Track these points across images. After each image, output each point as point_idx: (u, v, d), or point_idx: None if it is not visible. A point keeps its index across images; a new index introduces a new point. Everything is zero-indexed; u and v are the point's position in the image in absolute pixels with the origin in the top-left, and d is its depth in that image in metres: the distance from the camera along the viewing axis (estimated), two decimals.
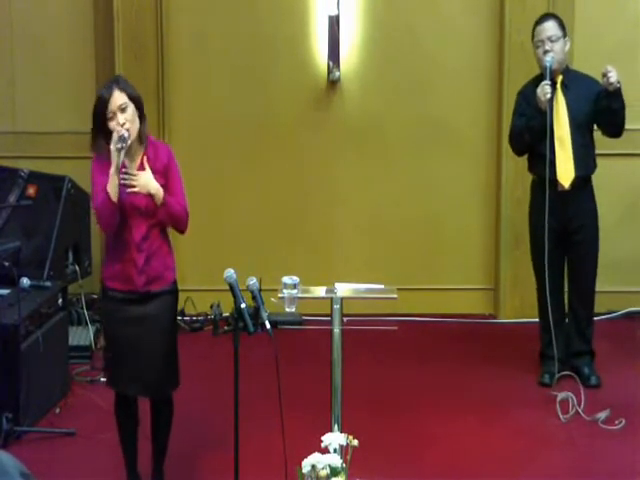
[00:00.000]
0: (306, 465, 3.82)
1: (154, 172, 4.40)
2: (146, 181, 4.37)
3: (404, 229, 7.20)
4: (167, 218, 4.43)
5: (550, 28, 5.79)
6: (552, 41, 5.76)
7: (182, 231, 4.55)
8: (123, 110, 4.35)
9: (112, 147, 4.29)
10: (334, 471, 3.81)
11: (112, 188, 4.31)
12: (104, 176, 4.35)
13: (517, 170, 6.76)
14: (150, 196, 4.37)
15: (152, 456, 4.67)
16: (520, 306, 7.00)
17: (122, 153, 4.29)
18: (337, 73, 7.03)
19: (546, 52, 5.75)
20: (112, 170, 4.30)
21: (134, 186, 4.36)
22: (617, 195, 6.99)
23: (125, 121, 4.33)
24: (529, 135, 5.80)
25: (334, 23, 6.95)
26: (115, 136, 4.29)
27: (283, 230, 7.21)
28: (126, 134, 4.30)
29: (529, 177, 6.06)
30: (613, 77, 5.60)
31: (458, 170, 7.17)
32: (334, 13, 6.95)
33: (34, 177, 6.61)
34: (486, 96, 7.11)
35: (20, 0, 7.18)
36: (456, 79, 7.12)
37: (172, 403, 4.62)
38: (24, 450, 5.01)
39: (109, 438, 5.16)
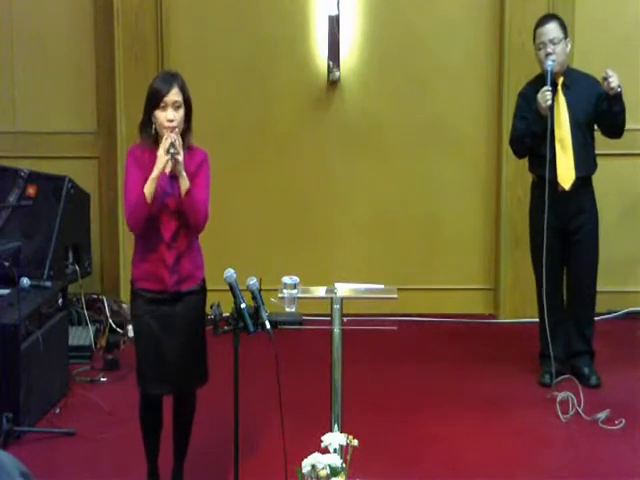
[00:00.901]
0: (306, 465, 3.82)
1: (187, 173, 4.33)
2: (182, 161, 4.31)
3: (404, 229, 7.20)
4: (188, 208, 4.33)
5: (552, 30, 5.74)
6: (554, 43, 5.71)
7: (198, 227, 4.43)
8: (176, 108, 4.32)
9: (161, 151, 4.24)
10: (334, 471, 3.80)
11: (149, 191, 4.27)
12: (140, 170, 4.32)
13: (517, 170, 6.77)
14: (179, 196, 4.32)
15: (173, 452, 4.65)
16: (520, 306, 7.00)
17: (171, 161, 4.23)
18: (337, 73, 7.03)
19: (548, 55, 5.71)
20: (154, 174, 4.25)
21: (178, 156, 4.26)
22: (617, 195, 6.99)
23: (174, 119, 4.29)
24: (530, 139, 5.78)
25: (334, 23, 6.96)
26: (167, 142, 4.23)
27: (283, 230, 7.21)
28: (176, 142, 4.23)
29: (529, 177, 6.06)
30: (614, 82, 5.57)
31: (458, 170, 7.17)
32: (334, 13, 6.95)
33: (34, 177, 6.61)
34: (486, 96, 7.11)
35: (20, 0, 7.18)
36: (456, 79, 7.12)
37: (195, 397, 4.61)
38: (24, 450, 5.00)
39: (109, 438, 5.18)
